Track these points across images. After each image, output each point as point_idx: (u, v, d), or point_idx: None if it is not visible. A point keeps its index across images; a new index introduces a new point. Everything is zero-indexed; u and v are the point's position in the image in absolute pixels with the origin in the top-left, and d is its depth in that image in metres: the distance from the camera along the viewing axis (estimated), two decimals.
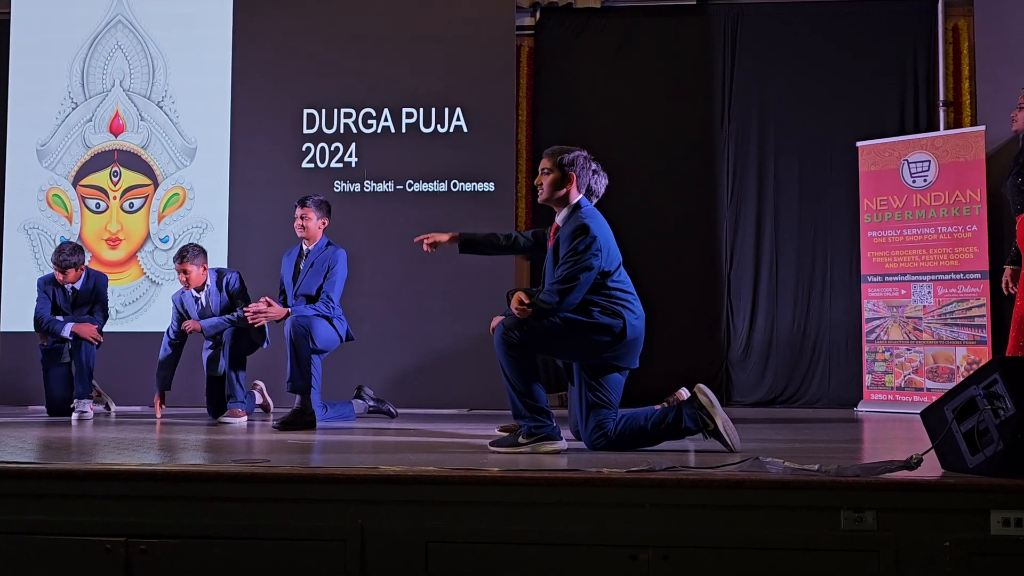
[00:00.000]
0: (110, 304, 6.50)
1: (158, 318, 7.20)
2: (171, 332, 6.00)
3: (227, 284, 5.92)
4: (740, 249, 7.46)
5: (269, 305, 5.48)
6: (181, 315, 5.99)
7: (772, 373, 7.31)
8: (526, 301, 3.86)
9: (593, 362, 3.96)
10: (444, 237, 4.44)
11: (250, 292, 6.00)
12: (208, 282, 5.94)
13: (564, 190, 4.08)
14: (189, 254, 5.86)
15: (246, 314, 5.50)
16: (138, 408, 6.81)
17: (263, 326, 5.87)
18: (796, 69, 7.46)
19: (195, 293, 5.93)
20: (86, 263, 6.34)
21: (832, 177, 7.33)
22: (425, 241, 4.45)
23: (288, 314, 5.44)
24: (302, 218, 5.68)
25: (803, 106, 7.41)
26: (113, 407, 6.55)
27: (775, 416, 6.37)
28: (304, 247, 5.75)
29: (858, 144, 6.98)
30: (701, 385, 3.97)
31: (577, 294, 3.87)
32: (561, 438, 3.92)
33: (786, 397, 7.26)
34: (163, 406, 5.95)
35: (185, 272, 5.87)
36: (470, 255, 4.53)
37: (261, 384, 6.31)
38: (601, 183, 4.24)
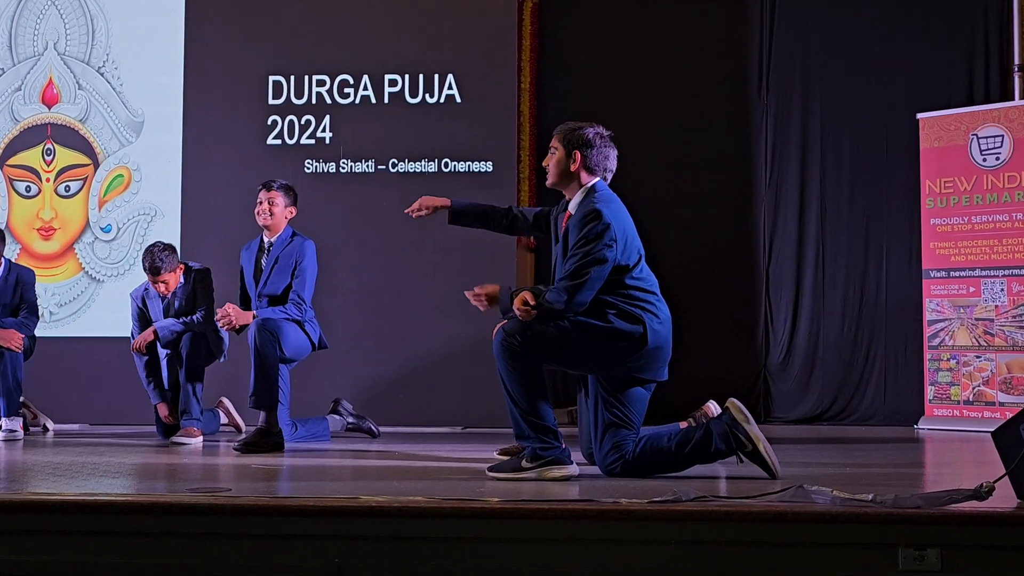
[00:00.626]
0: (43, 305, 6.50)
1: (100, 320, 7.21)
2: (134, 334, 6.04)
3: (193, 278, 5.95)
4: (780, 240, 7.46)
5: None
6: (142, 313, 6.03)
7: (818, 384, 7.31)
8: (531, 302, 3.86)
9: (610, 373, 3.96)
10: (436, 202, 4.56)
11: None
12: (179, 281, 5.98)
13: (572, 171, 4.09)
14: (164, 263, 5.85)
15: (218, 320, 5.51)
16: (76, 427, 6.82)
17: (221, 336, 5.89)
18: (847, 28, 7.45)
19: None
20: (3, 255, 6.23)
21: (888, 155, 7.32)
22: (415, 212, 4.57)
23: (254, 318, 5.44)
24: (269, 203, 5.68)
25: (854, 72, 7.40)
26: (52, 427, 6.54)
27: (822, 435, 6.37)
28: (265, 239, 5.75)
29: (919, 116, 6.97)
30: (734, 399, 3.97)
31: (588, 291, 3.87)
32: (571, 462, 3.91)
33: (834, 413, 7.26)
34: (171, 416, 5.92)
35: (165, 284, 5.90)
36: (460, 228, 4.65)
37: (227, 402, 6.32)
38: (612, 157, 4.25)
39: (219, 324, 5.52)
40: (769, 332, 7.45)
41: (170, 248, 5.97)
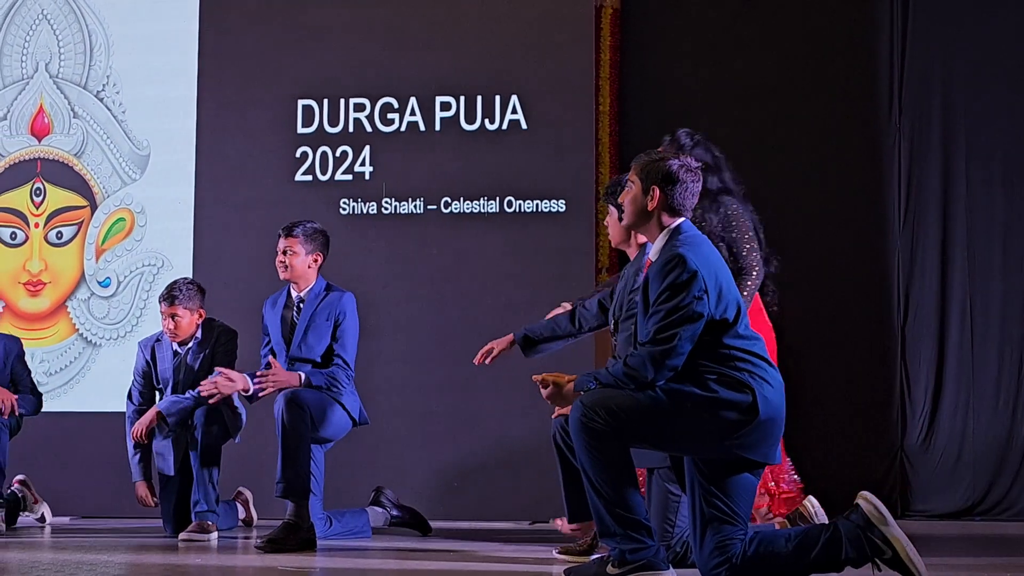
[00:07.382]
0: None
1: (97, 392, 7.29)
2: (135, 396, 6.15)
3: (217, 337, 6.04)
4: (918, 293, 7.38)
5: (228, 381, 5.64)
6: (148, 368, 6.14)
7: (968, 471, 7.18)
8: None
9: (710, 454, 3.94)
10: (501, 344, 5.12)
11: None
12: (196, 332, 6.08)
13: (650, 211, 4.10)
14: (182, 294, 6.01)
15: (202, 392, 5.66)
16: (67, 519, 6.90)
17: (239, 410, 5.99)
18: (1000, 30, 7.38)
19: (175, 344, 6.07)
20: None
21: None
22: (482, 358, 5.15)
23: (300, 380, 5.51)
24: (285, 252, 5.72)
25: (1011, 84, 7.33)
26: (49, 518, 6.62)
27: (973, 534, 6.29)
28: (293, 293, 5.81)
29: None
30: (867, 493, 3.91)
31: (679, 357, 3.86)
32: (667, 567, 3.90)
33: (989, 506, 7.12)
34: (155, 497, 6.09)
35: (174, 317, 6.01)
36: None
37: (248, 493, 6.38)
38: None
39: (203, 393, 5.67)
40: (906, 406, 7.35)
41: (198, 286, 6.11)
